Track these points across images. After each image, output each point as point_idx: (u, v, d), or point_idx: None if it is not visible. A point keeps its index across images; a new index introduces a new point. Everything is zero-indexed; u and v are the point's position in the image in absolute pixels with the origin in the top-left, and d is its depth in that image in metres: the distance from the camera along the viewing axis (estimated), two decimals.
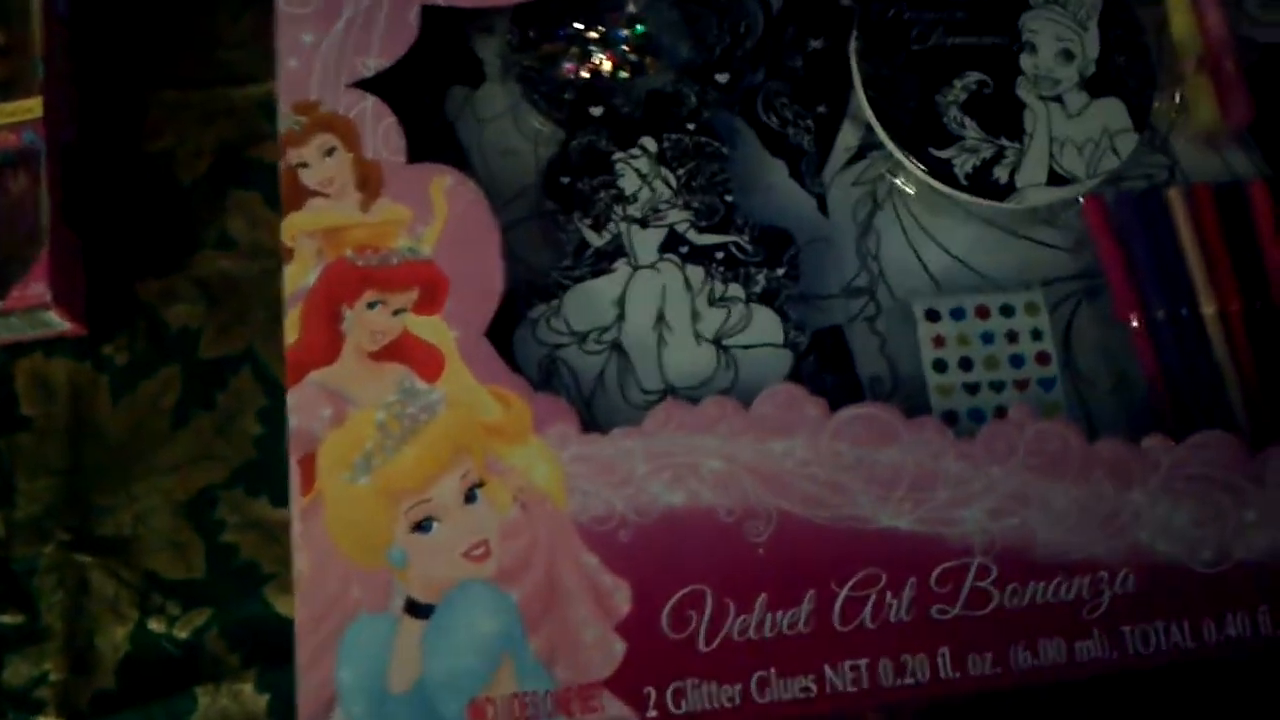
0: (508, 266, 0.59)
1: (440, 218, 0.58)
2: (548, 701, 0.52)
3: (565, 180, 0.61)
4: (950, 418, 0.57)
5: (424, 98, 0.64)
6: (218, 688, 0.57)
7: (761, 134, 0.64)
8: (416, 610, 0.53)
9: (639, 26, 0.62)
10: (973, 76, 0.63)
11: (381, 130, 0.59)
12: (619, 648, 0.52)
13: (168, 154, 0.65)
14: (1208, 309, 0.60)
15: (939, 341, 0.58)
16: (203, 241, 0.63)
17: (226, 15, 0.67)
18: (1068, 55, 0.63)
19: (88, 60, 0.65)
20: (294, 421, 0.55)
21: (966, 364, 0.58)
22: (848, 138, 0.64)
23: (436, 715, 0.52)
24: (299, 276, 0.57)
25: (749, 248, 0.60)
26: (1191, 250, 0.61)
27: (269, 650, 0.57)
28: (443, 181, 0.58)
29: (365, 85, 0.59)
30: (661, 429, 0.55)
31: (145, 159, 0.64)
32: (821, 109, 0.65)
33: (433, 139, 0.63)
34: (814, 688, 0.52)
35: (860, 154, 0.64)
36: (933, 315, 0.59)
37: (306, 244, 0.57)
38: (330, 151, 0.59)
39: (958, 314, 0.59)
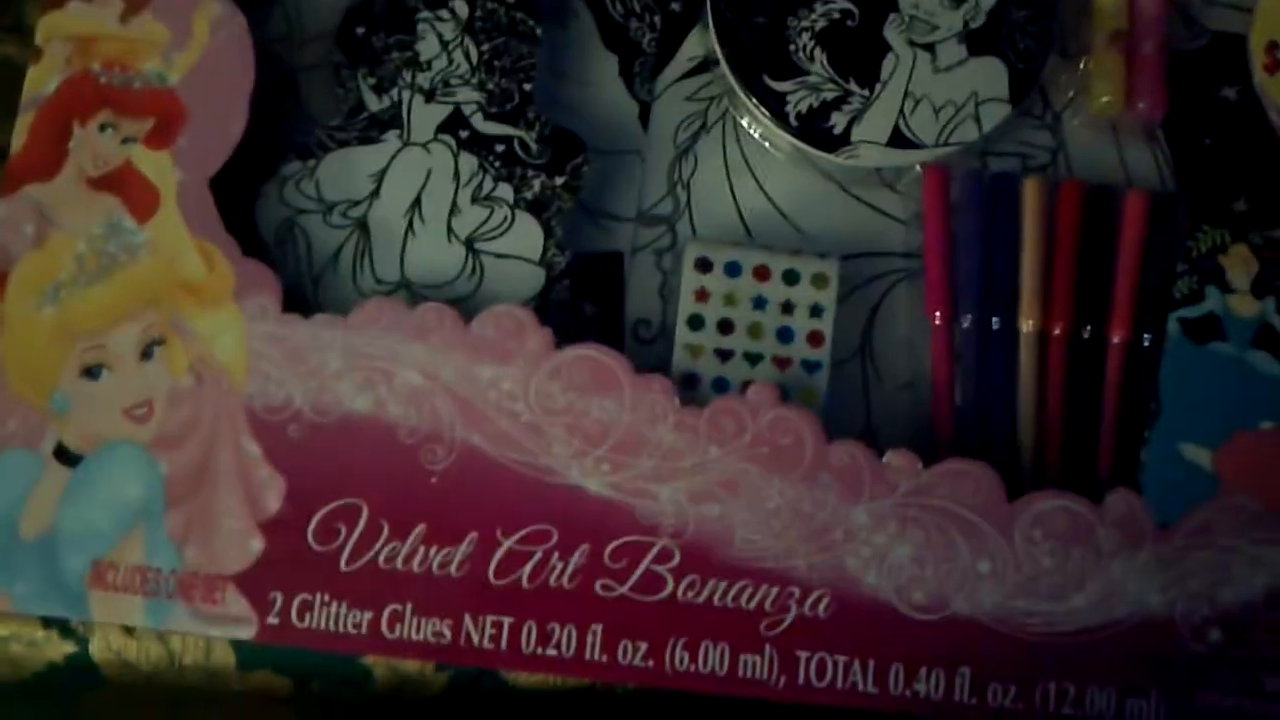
0: (281, 114, 0.54)
1: (197, 47, 0.53)
2: (171, 581, 0.49)
3: (360, 31, 0.55)
4: (690, 381, 0.51)
5: None
6: None
7: (600, 21, 0.57)
8: (65, 458, 0.50)
9: None
10: (839, 3, 0.54)
11: None
12: (256, 545, 0.49)
13: None
14: (1026, 324, 0.52)
15: (702, 295, 0.52)
16: None
17: None
18: None
19: None
20: None
21: (726, 326, 0.51)
22: (694, 46, 0.57)
23: (60, 569, 0.49)
24: (40, 82, 0.53)
25: (534, 147, 0.53)
26: (1031, 253, 0.52)
27: None
28: (210, 8, 0.53)
29: None
30: (367, 326, 0.50)
31: None
32: (676, 6, 0.57)
33: None
34: (448, 634, 0.48)
35: (703, 66, 0.56)
36: (704, 265, 0.52)
37: (58, 49, 0.53)
38: None
39: (733, 269, 0.52)
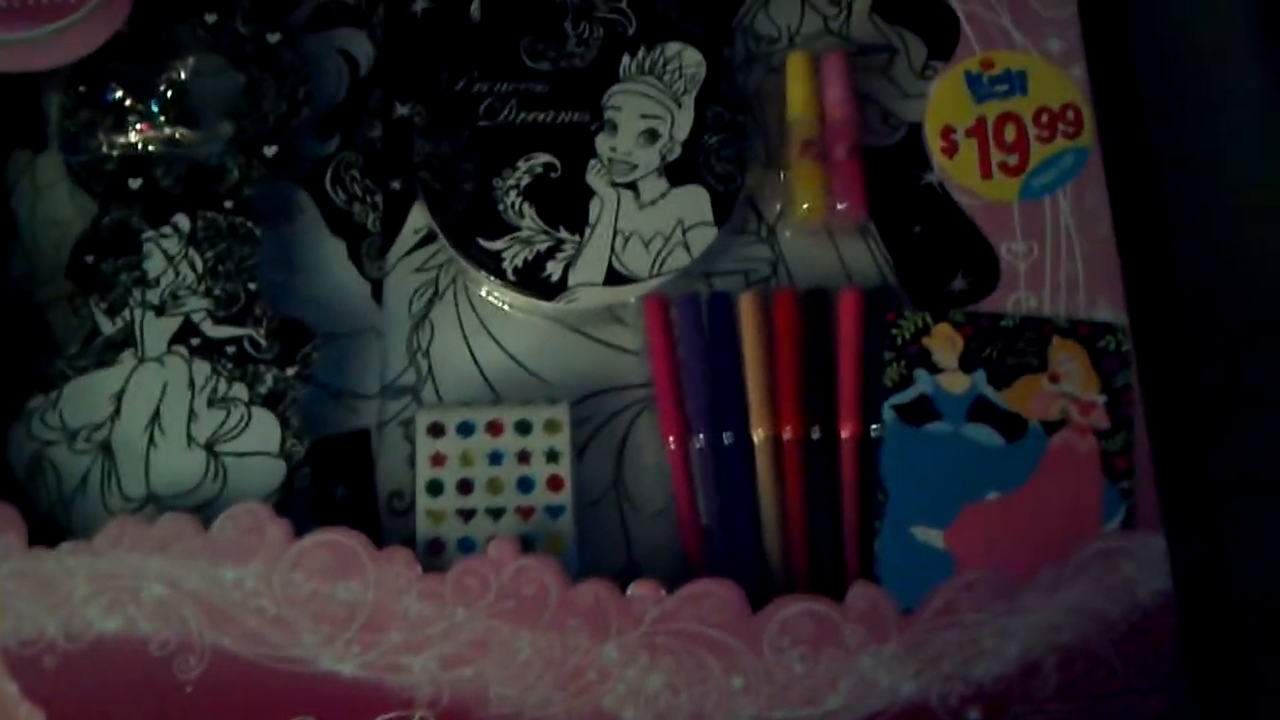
0: (30, 352, 0.56)
1: None
2: None
3: (89, 259, 0.57)
4: (436, 547, 0.52)
5: None
6: None
7: (324, 209, 0.59)
8: None
9: (169, 93, 0.57)
10: (540, 158, 0.56)
11: None
12: None
13: None
14: (757, 434, 0.53)
15: (438, 460, 0.53)
16: None
17: None
18: (651, 136, 0.57)
19: None
20: None
21: (466, 486, 0.52)
22: (417, 219, 0.58)
23: None
24: None
25: (263, 342, 0.55)
26: (753, 364, 0.54)
27: None
28: None
29: None
30: (111, 547, 0.51)
31: None
32: (395, 185, 0.59)
33: None
34: None
35: (430, 238, 0.58)
36: (436, 430, 0.53)
37: None
38: None
39: (465, 429, 0.53)
